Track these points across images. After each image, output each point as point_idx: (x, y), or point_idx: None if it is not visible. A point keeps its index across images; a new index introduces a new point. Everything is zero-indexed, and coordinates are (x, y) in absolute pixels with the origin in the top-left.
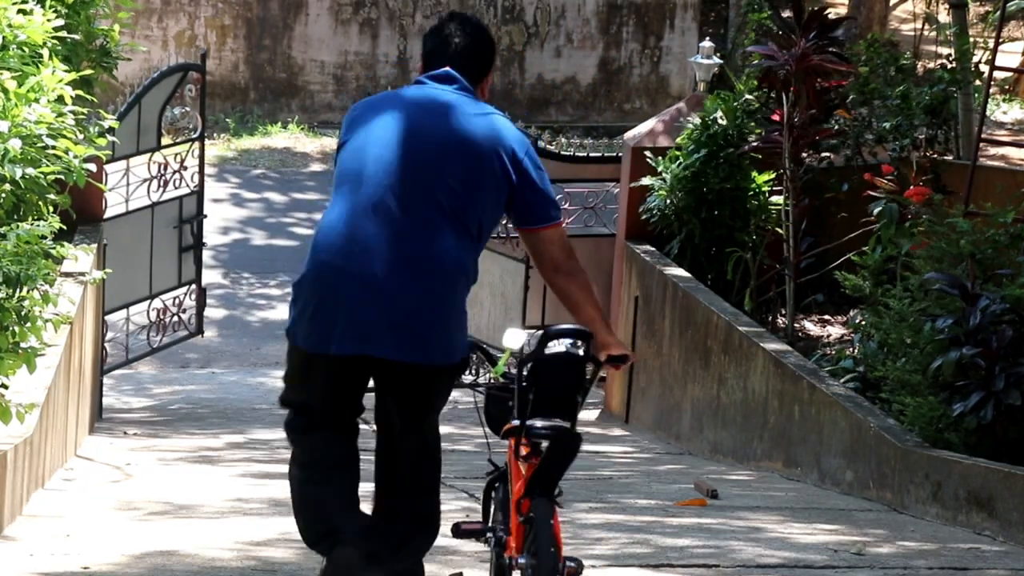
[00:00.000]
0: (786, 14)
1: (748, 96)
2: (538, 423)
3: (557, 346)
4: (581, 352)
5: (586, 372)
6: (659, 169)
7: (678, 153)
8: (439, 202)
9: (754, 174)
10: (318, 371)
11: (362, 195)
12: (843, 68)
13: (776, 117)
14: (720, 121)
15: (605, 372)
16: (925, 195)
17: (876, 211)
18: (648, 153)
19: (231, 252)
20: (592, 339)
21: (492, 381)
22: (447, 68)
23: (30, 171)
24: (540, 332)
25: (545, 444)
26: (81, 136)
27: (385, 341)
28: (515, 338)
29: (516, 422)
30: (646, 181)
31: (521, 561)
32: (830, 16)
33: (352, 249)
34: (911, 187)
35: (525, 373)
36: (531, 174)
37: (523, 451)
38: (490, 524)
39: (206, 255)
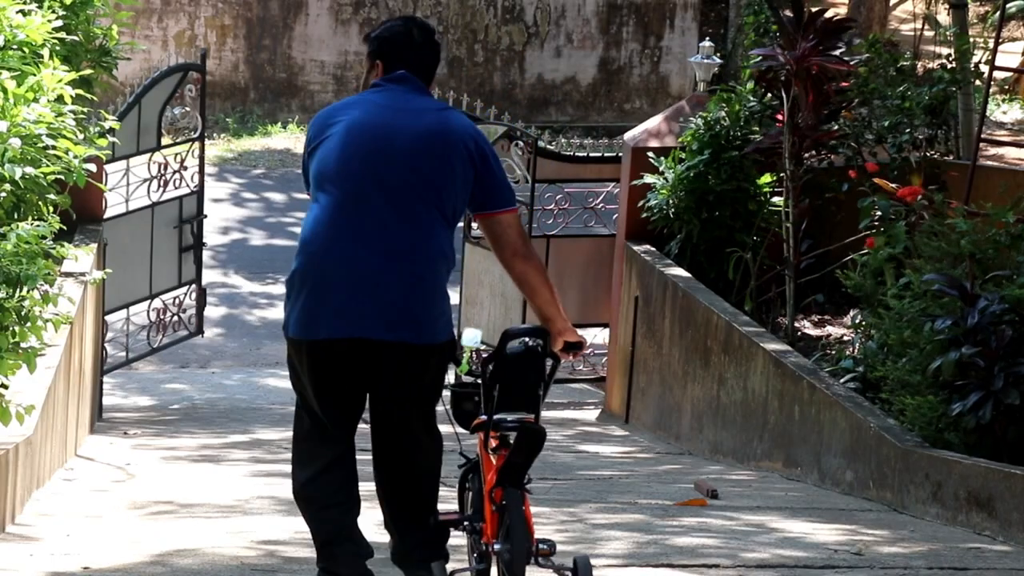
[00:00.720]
0: (786, 14)
1: (749, 96)
2: (505, 417)
3: (517, 345)
4: (540, 349)
5: (545, 367)
6: (661, 169)
7: (681, 154)
8: (417, 191)
9: (755, 175)
10: (313, 358)
11: (344, 190)
12: (844, 68)
13: (780, 118)
14: (723, 122)
15: (573, 364)
16: (917, 194)
17: (862, 206)
18: (650, 153)
19: (231, 252)
20: (548, 336)
21: (458, 379)
22: (403, 71)
23: (30, 171)
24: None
25: (513, 436)
26: (81, 136)
27: (375, 323)
28: (472, 337)
29: (484, 417)
30: (648, 180)
31: (496, 547)
32: (831, 18)
33: (339, 239)
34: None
35: (489, 371)
36: (491, 161)
37: (492, 443)
38: (466, 514)
39: (206, 255)
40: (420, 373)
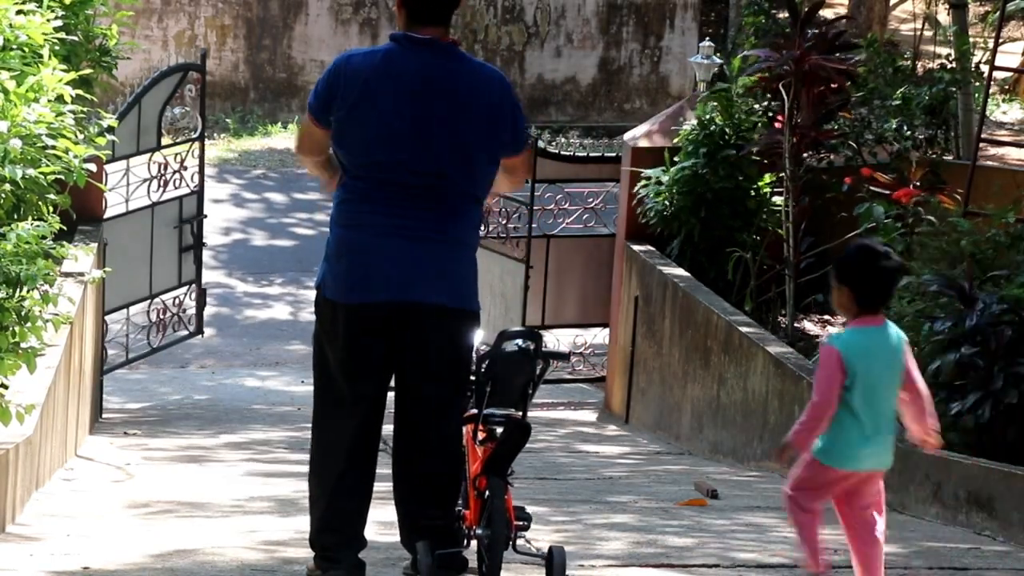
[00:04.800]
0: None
1: (739, 91)
2: (494, 412)
3: (511, 345)
4: (532, 351)
5: (536, 368)
6: (651, 174)
7: (677, 154)
8: (454, 172)
9: (755, 175)
10: (352, 322)
11: (385, 167)
12: (842, 67)
13: (780, 119)
14: (717, 120)
15: (573, 364)
16: (913, 196)
17: (859, 212)
18: (647, 153)
19: (231, 252)
20: (541, 339)
21: None
22: (431, 33)
23: (30, 172)
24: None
25: (500, 430)
26: (81, 136)
27: (420, 287)
28: (476, 336)
29: (474, 410)
30: (645, 181)
31: (478, 531)
32: (827, 17)
33: (384, 215)
34: (904, 188)
35: (483, 368)
36: (519, 118)
37: (480, 436)
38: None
39: (206, 255)
40: (456, 338)
